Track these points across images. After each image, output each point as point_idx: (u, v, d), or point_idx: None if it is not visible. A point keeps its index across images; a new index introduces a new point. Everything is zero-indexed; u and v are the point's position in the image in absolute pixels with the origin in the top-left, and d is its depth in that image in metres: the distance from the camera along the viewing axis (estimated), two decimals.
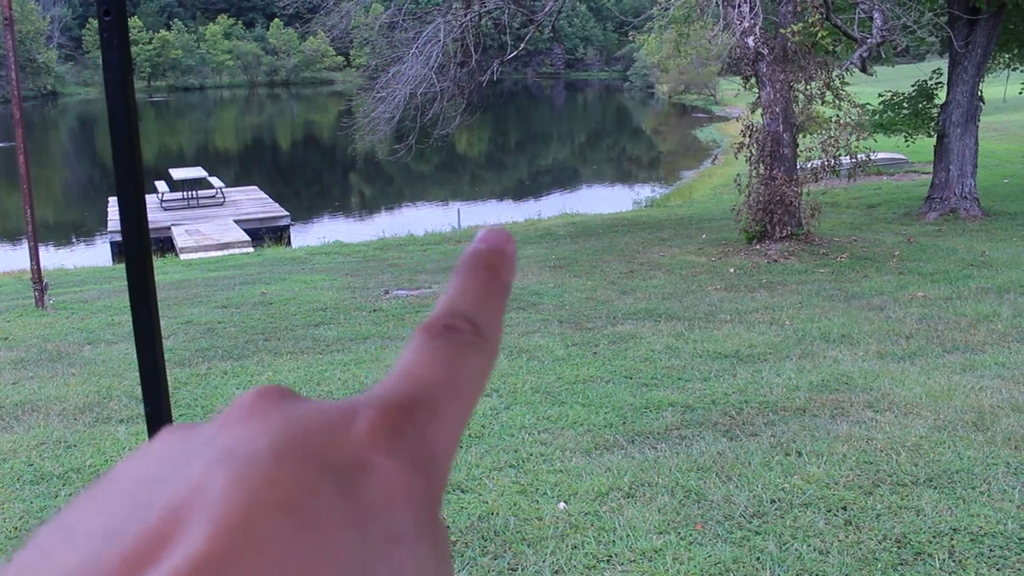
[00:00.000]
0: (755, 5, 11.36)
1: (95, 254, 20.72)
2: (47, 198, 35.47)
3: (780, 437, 4.47)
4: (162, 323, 6.39)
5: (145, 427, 4.75)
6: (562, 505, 3.68)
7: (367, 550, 0.22)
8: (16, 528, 3.65)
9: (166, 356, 5.70)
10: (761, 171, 11.79)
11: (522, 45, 16.43)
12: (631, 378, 5.80)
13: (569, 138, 53.64)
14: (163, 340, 5.99)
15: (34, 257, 9.45)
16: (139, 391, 5.17)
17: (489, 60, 16.56)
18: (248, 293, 10.08)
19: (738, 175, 12.15)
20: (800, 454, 4.20)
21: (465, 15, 14.66)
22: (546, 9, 15.26)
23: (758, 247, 11.77)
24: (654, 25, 17.82)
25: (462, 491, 3.89)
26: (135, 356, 5.80)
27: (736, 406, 5.08)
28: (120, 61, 0.98)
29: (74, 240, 24.37)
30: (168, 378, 5.30)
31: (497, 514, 3.61)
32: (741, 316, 7.96)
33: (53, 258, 19.27)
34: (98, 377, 6.35)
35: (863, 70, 10.60)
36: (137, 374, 5.46)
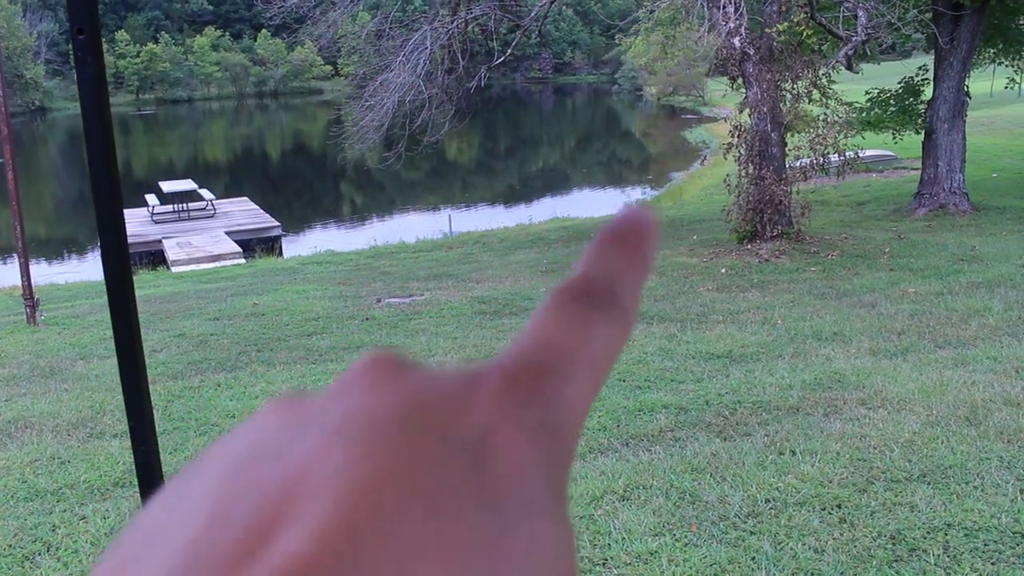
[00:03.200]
0: (740, 6, 11.41)
1: (86, 269, 20.64)
2: (37, 214, 35.37)
3: (774, 436, 4.48)
4: (154, 336, 6.40)
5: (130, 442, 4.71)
6: None
7: (503, 525, 0.20)
8: (10, 546, 3.64)
9: (159, 370, 5.69)
10: (750, 171, 11.82)
11: (509, 50, 16.47)
12: (624, 381, 5.80)
13: (559, 142, 53.69)
14: (156, 353, 5.98)
15: (25, 273, 9.43)
16: None
17: (477, 66, 16.59)
18: (240, 304, 10.07)
19: (727, 175, 12.18)
20: (794, 453, 4.21)
21: (452, 22, 14.68)
22: (532, 14, 15.29)
23: (749, 247, 11.80)
24: (640, 28, 17.85)
25: None
26: None
27: (730, 406, 5.09)
28: (94, 78, 0.98)
29: (65, 255, 24.29)
30: (161, 391, 5.28)
31: None
32: (733, 316, 7.98)
33: (45, 274, 19.21)
34: (91, 392, 6.33)
35: (849, 68, 10.64)
36: None
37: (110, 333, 7.33)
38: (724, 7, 11.39)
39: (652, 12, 16.37)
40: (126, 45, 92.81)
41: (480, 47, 18.35)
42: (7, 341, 8.79)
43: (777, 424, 4.70)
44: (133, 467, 4.56)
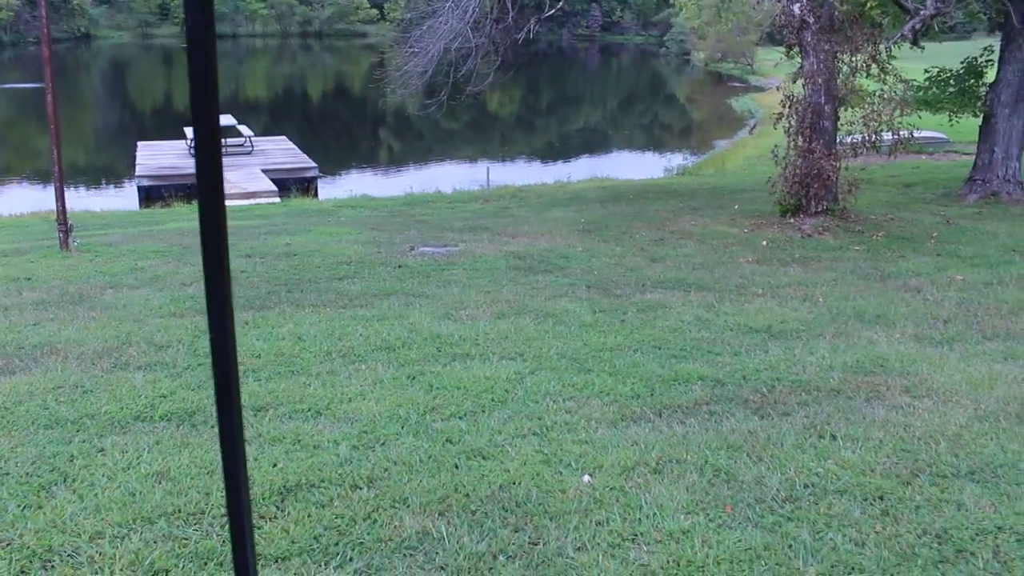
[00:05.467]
0: None
1: (122, 198, 20.70)
2: (78, 141, 35.54)
3: (813, 418, 4.31)
4: (184, 270, 6.30)
5: (162, 374, 4.63)
6: (586, 478, 3.55)
7: None
8: (27, 474, 3.57)
9: (187, 304, 5.59)
10: (800, 143, 11.49)
11: (560, 2, 16.10)
12: (659, 348, 5.64)
13: (602, 102, 53.03)
14: (186, 287, 5.88)
15: (60, 199, 9.38)
16: (157, 337, 5.06)
17: (526, 17, 16.25)
18: (273, 244, 9.98)
19: (775, 146, 11.85)
20: (835, 437, 4.04)
21: None
22: None
23: (792, 221, 11.52)
24: None
25: (483, 458, 3.77)
26: (156, 302, 5.69)
27: (768, 383, 4.91)
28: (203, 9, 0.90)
29: (103, 183, 24.36)
30: (188, 326, 5.19)
31: (519, 484, 3.49)
32: (773, 290, 7.77)
33: (82, 201, 19.28)
34: (118, 322, 6.27)
35: (915, 43, 10.25)
36: (156, 321, 5.34)
37: (141, 263, 7.26)
38: None
39: None
40: None
41: (530, 0, 17.99)
42: (40, 265, 8.77)
43: (817, 406, 4.52)
44: (153, 402, 4.49)
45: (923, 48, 10.95)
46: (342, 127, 39.65)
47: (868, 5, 10.54)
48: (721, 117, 40.38)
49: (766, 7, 14.46)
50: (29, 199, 19.98)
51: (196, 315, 6.51)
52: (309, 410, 4.36)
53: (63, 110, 43.87)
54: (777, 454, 3.82)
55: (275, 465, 3.63)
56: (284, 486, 3.45)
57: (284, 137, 24.59)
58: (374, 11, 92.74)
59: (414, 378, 4.90)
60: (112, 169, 26.02)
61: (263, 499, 3.36)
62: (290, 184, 19.22)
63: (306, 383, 4.82)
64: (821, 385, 4.87)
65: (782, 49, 12.17)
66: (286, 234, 10.83)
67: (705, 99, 50.97)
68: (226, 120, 22.78)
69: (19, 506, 3.28)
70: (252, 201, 16.76)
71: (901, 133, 11.65)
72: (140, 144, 23.33)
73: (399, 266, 8.63)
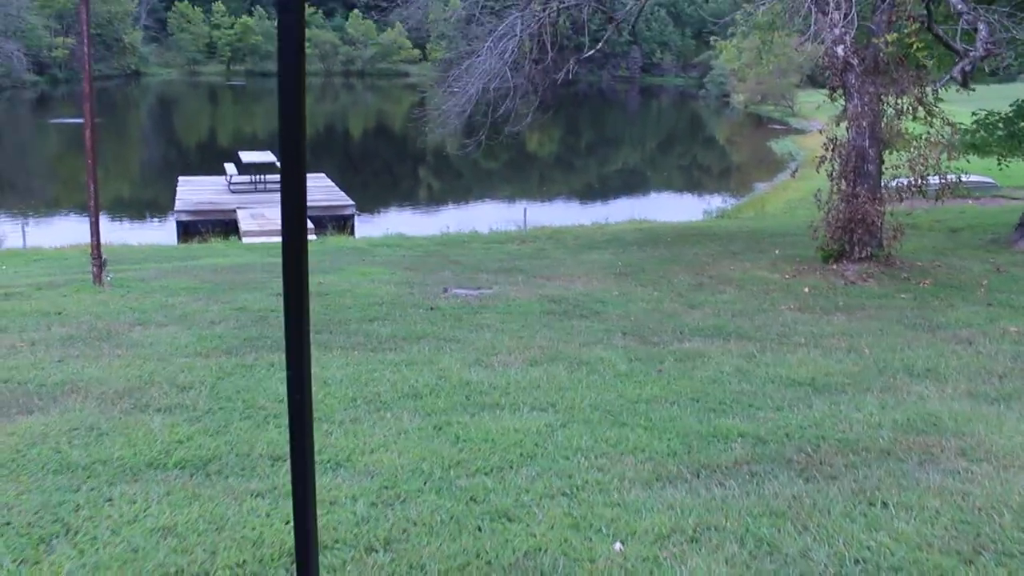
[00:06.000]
0: (849, 12, 10.80)
1: (163, 232, 20.86)
2: (124, 175, 36.13)
3: (863, 483, 4.03)
4: (214, 308, 6.17)
5: (181, 418, 4.46)
6: (618, 546, 3.30)
7: None
8: (29, 524, 3.40)
9: (213, 343, 5.43)
10: (843, 187, 11.22)
11: (600, 43, 16.05)
12: (698, 401, 5.39)
13: (641, 143, 52.98)
14: (215, 325, 5.74)
15: (95, 233, 9.37)
16: (180, 378, 4.90)
17: (565, 58, 16.20)
18: None
19: (818, 190, 11.58)
20: (886, 505, 3.76)
21: (543, 9, 14.30)
22: (628, 7, 14.83)
23: (835, 267, 11.21)
24: (736, 30, 17.26)
25: (508, 520, 3.54)
26: (183, 341, 5.53)
27: (812, 442, 4.64)
28: (295, 52, 0.90)
29: (146, 217, 24.63)
30: (213, 367, 5.03)
31: (545, 551, 3.25)
32: (816, 340, 7.47)
33: (122, 234, 19.46)
34: (143, 360, 6.15)
35: (964, 85, 9.97)
36: (181, 360, 5.18)
37: (171, 300, 7.16)
38: (831, 13, 10.80)
39: (751, 14, 15.79)
40: (222, 16, 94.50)
41: (569, 41, 17.97)
42: (71, 299, 8.73)
43: (866, 468, 4.24)
44: (169, 447, 4.32)
45: (973, 90, 10.66)
46: (382, 165, 39.92)
47: (914, 47, 10.29)
48: (761, 160, 40.08)
49: (808, 49, 14.28)
50: (73, 231, 20.18)
51: (221, 355, 6.38)
52: (329, 461, 4.17)
53: (111, 145, 44.84)
54: (824, 523, 3.55)
55: (287, 523, 3.43)
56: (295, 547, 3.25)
57: (323, 174, 24.74)
58: (416, 51, 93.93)
59: (440, 429, 4.70)
60: (155, 203, 26.32)
61: (272, 560, 3.16)
62: (327, 222, 19.24)
63: (328, 431, 4.63)
64: (870, 445, 4.59)
65: (824, 91, 11.94)
66: (319, 272, 10.73)
67: (744, 141, 50.72)
68: (265, 156, 22.96)
69: (15, 561, 3.11)
70: None
71: (948, 177, 11.34)
72: (181, 179, 23.58)
73: (431, 308, 8.46)
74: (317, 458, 4.18)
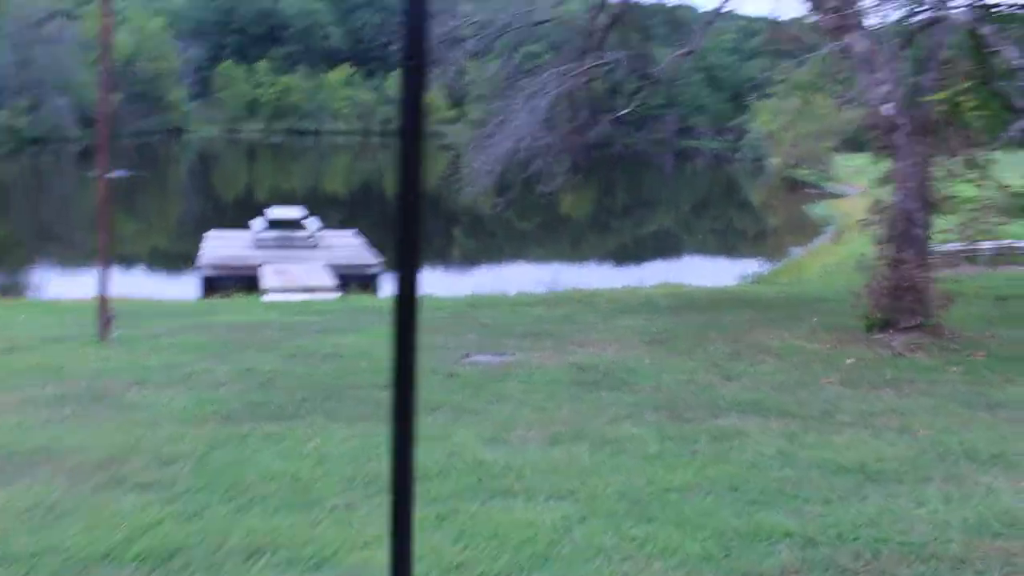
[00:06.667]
0: (896, 70, 10.34)
1: (189, 286, 20.65)
2: (160, 228, 36.39)
3: None
4: (223, 368, 5.62)
5: (156, 496, 3.95)
6: None
7: None
8: None
9: (211, 408, 4.88)
10: (889, 252, 10.64)
11: (635, 104, 15.72)
12: (736, 490, 4.79)
13: (675, 206, 52.65)
14: (220, 387, 5.19)
15: (102, 288, 9.03)
16: (165, 450, 4.35)
17: (599, 119, 15.89)
18: (320, 343, 9.43)
19: (861, 255, 11.01)
20: None
21: (577, 67, 14.01)
22: (661, 65, 14.50)
23: (880, 337, 10.55)
24: (776, 90, 16.89)
25: None
26: (179, 404, 4.97)
27: (870, 546, 4.03)
28: (415, 107, 1.06)
29: (177, 270, 24.51)
30: (205, 435, 4.50)
31: None
32: (864, 419, 6.84)
33: (149, 287, 19.25)
34: (131, 426, 5.70)
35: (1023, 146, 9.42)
36: (171, 428, 4.61)
37: (178, 358, 6.65)
38: (878, 70, 10.33)
39: (791, 74, 15.42)
40: (264, 75, 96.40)
41: (604, 104, 17.70)
42: (75, 355, 8.35)
43: None
44: (132, 534, 3.81)
45: None
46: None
47: (965, 106, 9.78)
48: (796, 224, 39.48)
49: (848, 111, 13.86)
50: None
51: (217, 422, 5.91)
52: (311, 558, 3.63)
53: (151, 199, 45.33)
54: None
55: None
56: None
57: (351, 231, 24.52)
58: (452, 112, 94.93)
59: (444, 519, 4.15)
60: (186, 257, 26.26)
61: None
62: (352, 280, 18.89)
63: (317, 519, 4.11)
64: (939, 551, 3.97)
65: (864, 154, 11.45)
66: (336, 333, 10.30)
67: (780, 205, 50.18)
68: (293, 212, 22.80)
69: None
70: (309, 296, 16.40)
71: (1002, 243, 10.73)
72: (208, 233, 23.45)
73: (450, 375, 7.95)
74: (295, 553, 3.66)
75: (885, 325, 10.73)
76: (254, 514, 4.15)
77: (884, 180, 11.34)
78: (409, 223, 1.20)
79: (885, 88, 10.44)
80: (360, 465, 4.98)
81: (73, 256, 25.80)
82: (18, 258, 27.46)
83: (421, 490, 4.58)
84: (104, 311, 8.95)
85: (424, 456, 5.21)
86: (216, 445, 5.33)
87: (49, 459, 4.93)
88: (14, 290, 21.33)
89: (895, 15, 11.69)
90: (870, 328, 10.84)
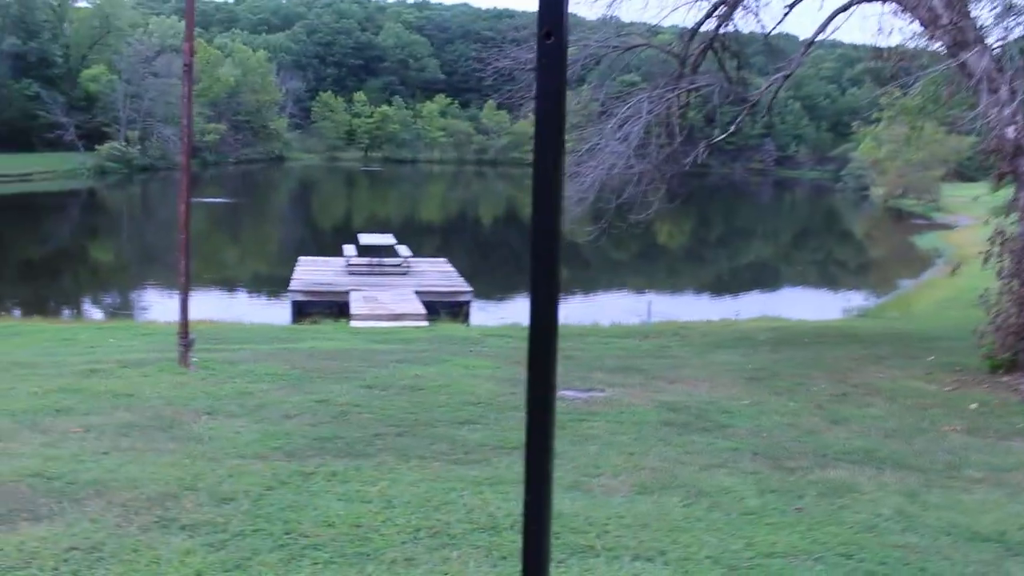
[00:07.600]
0: (1020, 90, 9.52)
1: (280, 312, 20.73)
2: (259, 253, 37.06)
3: None
4: (295, 398, 5.19)
5: (204, 541, 3.61)
6: None
7: None
8: None
9: (277, 443, 4.46)
10: (1016, 287, 9.76)
11: (731, 129, 15.10)
12: (850, 558, 4.17)
13: (774, 236, 51.22)
14: (288, 419, 4.76)
15: (183, 311, 8.89)
16: (222, 487, 3.97)
17: (694, 145, 15.30)
18: (401, 374, 9.07)
19: (985, 290, 10.14)
20: None
21: (673, 91, 13.48)
22: (761, 89, 13.85)
23: (1006, 379, 9.66)
24: (881, 115, 16.02)
25: None
26: (245, 438, 4.53)
27: None
28: (556, 89, 0.98)
29: (273, 295, 24.72)
30: (266, 472, 4.10)
31: None
32: (997, 475, 6.08)
33: (240, 311, 19.38)
34: (192, 459, 5.39)
35: None
36: (233, 463, 4.21)
37: (252, 386, 6.27)
38: (1000, 90, 9.53)
39: (899, 98, 14.56)
40: (362, 105, 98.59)
41: (699, 132, 17.11)
42: (149, 381, 8.18)
43: None
44: None
45: None
46: (509, 252, 39.57)
47: None
48: (903, 256, 37.79)
49: (961, 136, 12.95)
50: (196, 307, 20.26)
51: (281, 458, 5.56)
52: None
53: (251, 224, 46.39)
54: None
55: None
56: None
57: (444, 259, 24.35)
58: None
59: None
60: (282, 281, 26.56)
61: None
62: (441, 307, 18.63)
63: (371, 575, 3.68)
64: None
65: (974, 184, 10.60)
66: (419, 363, 9.94)
67: (885, 236, 48.32)
68: (385, 239, 22.76)
69: None
70: (397, 323, 16.17)
71: None
72: (301, 259, 23.60)
73: None
74: None
75: (1012, 366, 9.84)
76: (303, 565, 3.75)
77: (1007, 209, 10.47)
78: (545, 249, 1.14)
79: (1008, 109, 9.62)
80: (427, 513, 4.54)
81: (174, 279, 26.34)
82: (123, 281, 28.25)
83: (490, 543, 4.14)
84: (184, 336, 8.79)
85: (497, 503, 4.75)
86: (278, 483, 4.97)
87: (101, 493, 4.64)
88: (117, 312, 21.84)
89: (1019, 30, 10.84)
90: (994, 369, 9.96)
